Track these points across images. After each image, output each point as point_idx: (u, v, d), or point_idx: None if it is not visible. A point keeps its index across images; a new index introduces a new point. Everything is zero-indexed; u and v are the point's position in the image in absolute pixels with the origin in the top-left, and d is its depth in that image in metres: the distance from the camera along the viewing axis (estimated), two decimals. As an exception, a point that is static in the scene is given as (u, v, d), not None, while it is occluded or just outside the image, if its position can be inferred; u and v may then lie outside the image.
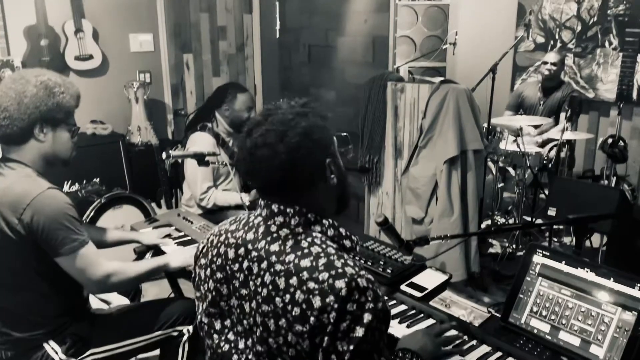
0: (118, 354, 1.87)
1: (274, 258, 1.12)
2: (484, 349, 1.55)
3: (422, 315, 1.72)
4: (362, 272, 1.08)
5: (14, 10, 3.79)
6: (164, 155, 2.47)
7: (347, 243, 1.20)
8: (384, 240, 2.06)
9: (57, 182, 1.72)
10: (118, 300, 2.22)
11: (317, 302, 1.04)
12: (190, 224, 2.54)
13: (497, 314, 1.66)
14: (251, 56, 5.18)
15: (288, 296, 1.07)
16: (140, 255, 2.51)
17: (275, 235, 1.15)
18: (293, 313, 1.06)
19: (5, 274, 1.70)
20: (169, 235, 2.41)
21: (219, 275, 1.21)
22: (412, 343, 1.42)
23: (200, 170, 2.81)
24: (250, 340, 1.15)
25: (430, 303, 1.76)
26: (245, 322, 1.16)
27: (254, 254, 1.15)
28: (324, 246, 1.12)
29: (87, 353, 1.80)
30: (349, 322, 1.03)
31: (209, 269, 1.24)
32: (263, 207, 1.21)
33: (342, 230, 1.20)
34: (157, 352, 2.06)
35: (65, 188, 3.56)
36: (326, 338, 1.03)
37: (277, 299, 1.08)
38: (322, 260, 1.08)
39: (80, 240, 1.67)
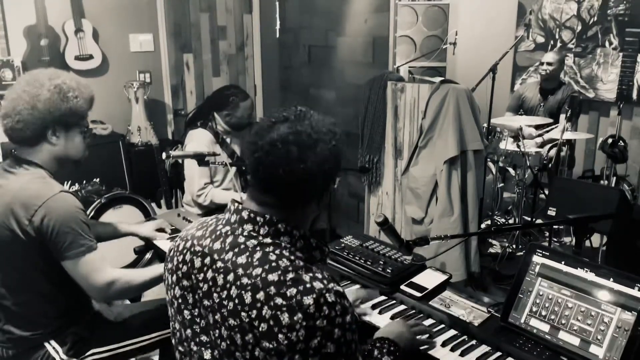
0: (119, 354, 1.87)
1: (240, 271, 1.08)
2: (484, 348, 1.55)
3: (421, 315, 1.73)
4: (331, 286, 1.06)
5: (14, 10, 3.79)
6: (164, 155, 2.47)
7: (317, 255, 1.18)
8: (384, 240, 2.06)
9: (58, 182, 1.73)
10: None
11: (285, 319, 1.02)
12: (190, 224, 2.53)
13: (496, 314, 1.67)
14: (251, 56, 5.18)
15: (255, 312, 1.04)
16: (140, 254, 2.52)
17: (242, 247, 1.12)
18: (260, 329, 1.03)
19: (11, 273, 1.71)
20: (162, 230, 2.42)
21: (185, 282, 1.19)
22: (389, 332, 1.45)
23: (197, 167, 2.82)
24: (216, 351, 1.13)
25: (430, 303, 1.76)
26: (211, 333, 1.14)
27: (220, 264, 1.12)
28: (292, 258, 1.10)
29: (88, 353, 1.80)
30: (320, 338, 1.02)
31: (175, 275, 1.21)
32: (233, 212, 1.18)
33: (312, 241, 1.17)
34: (157, 352, 2.06)
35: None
36: (297, 356, 1.01)
37: (243, 314, 1.05)
38: (290, 275, 1.05)
39: (87, 245, 1.67)
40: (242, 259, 1.10)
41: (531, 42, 4.58)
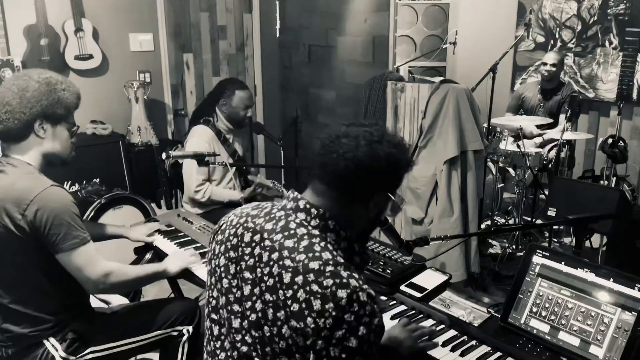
0: (118, 352, 1.87)
1: (286, 253, 1.15)
2: (484, 349, 1.55)
3: (421, 315, 1.72)
4: (365, 287, 1.11)
5: (14, 10, 3.79)
6: (164, 155, 2.47)
7: (357, 259, 1.24)
8: (384, 241, 2.06)
9: (56, 182, 1.73)
10: (118, 300, 2.22)
11: (317, 304, 1.07)
12: (190, 224, 2.53)
13: (496, 314, 1.67)
14: (251, 56, 5.18)
15: (290, 292, 1.10)
16: (140, 255, 2.52)
17: (292, 232, 1.18)
18: (291, 308, 1.09)
19: (8, 270, 1.71)
20: (158, 231, 2.42)
21: (232, 254, 1.25)
22: (391, 339, 1.47)
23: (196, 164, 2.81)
24: (245, 322, 1.19)
25: (430, 303, 1.76)
26: (243, 303, 1.19)
27: (268, 243, 1.19)
28: (335, 253, 1.16)
29: (87, 351, 1.80)
30: (345, 331, 1.06)
31: (223, 246, 1.27)
32: (291, 199, 1.24)
33: (355, 246, 1.24)
34: (157, 351, 2.06)
35: (65, 188, 3.56)
36: (320, 341, 1.07)
37: (280, 292, 1.12)
38: (330, 268, 1.11)
39: (81, 237, 1.68)
40: (289, 243, 1.17)
41: (531, 42, 4.58)
